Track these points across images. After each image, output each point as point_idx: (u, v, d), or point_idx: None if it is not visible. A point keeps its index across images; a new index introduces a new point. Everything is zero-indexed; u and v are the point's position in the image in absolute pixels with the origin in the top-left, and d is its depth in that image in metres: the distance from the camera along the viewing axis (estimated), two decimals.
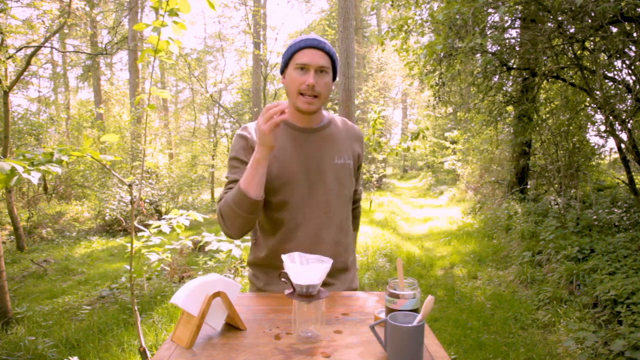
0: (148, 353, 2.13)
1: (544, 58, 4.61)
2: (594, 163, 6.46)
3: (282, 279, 1.15)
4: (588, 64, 4.79)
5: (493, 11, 4.61)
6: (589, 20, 3.92)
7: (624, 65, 4.31)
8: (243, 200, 1.22)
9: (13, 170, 1.40)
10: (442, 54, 4.92)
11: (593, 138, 9.40)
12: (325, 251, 1.34)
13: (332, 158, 1.38)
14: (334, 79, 1.35)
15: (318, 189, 1.35)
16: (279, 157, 1.33)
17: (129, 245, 2.06)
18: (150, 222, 2.34)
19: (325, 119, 1.44)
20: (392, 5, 6.31)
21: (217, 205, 1.35)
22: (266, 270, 1.42)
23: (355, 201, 1.58)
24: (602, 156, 6.75)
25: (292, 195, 1.34)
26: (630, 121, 4.32)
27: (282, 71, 1.35)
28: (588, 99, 5.23)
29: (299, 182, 1.34)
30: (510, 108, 6.57)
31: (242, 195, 1.21)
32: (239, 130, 1.42)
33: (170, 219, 2.22)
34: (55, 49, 10.92)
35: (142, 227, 2.40)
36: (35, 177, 1.43)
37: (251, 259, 1.48)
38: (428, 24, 5.55)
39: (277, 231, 1.37)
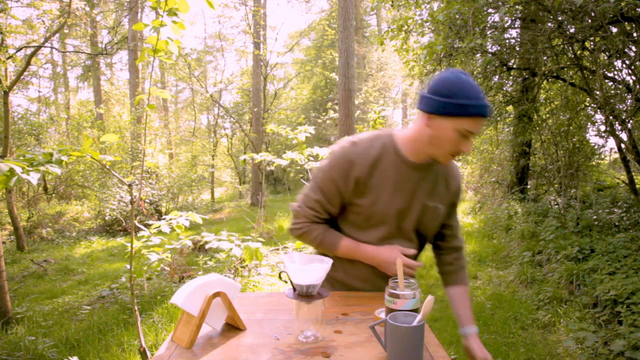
0: (148, 353, 2.13)
1: (544, 58, 4.61)
2: (594, 163, 6.46)
3: (282, 279, 1.15)
4: (588, 64, 4.79)
5: (493, 11, 4.61)
6: (589, 20, 3.92)
7: (624, 65, 4.31)
8: (328, 251, 1.34)
9: (12, 171, 1.39)
10: (442, 54, 4.92)
11: (593, 138, 9.38)
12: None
13: (425, 199, 1.32)
14: None
15: (401, 227, 1.34)
16: (377, 188, 1.27)
17: (129, 245, 2.06)
18: (150, 222, 2.34)
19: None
20: (392, 5, 6.30)
21: (296, 213, 1.34)
22: (344, 267, 1.40)
23: (457, 249, 1.47)
24: (602, 156, 6.75)
25: (378, 233, 1.33)
26: (630, 121, 4.31)
27: (434, 114, 1.16)
28: (588, 99, 5.23)
29: (387, 217, 1.31)
30: (510, 108, 6.56)
31: (329, 250, 1.34)
32: (347, 144, 1.27)
33: (170, 219, 2.22)
34: (55, 49, 10.94)
35: (142, 227, 2.40)
36: (34, 177, 1.43)
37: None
38: (428, 24, 5.54)
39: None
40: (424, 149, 1.24)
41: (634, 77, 4.20)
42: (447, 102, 1.12)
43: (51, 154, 1.55)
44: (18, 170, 1.41)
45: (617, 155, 5.98)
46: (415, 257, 1.41)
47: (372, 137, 1.29)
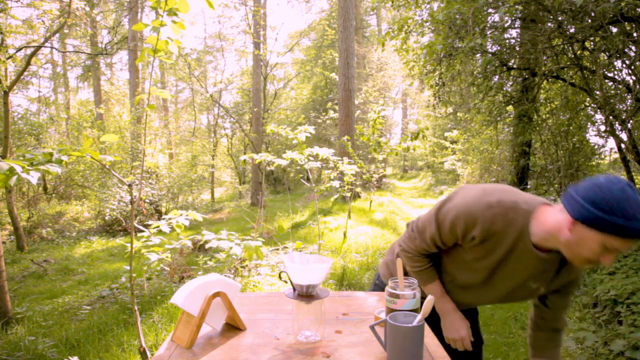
0: (148, 353, 2.13)
1: (544, 58, 4.61)
2: (594, 163, 6.45)
3: (282, 279, 1.15)
4: (588, 64, 4.79)
5: (493, 11, 4.61)
6: (589, 20, 3.92)
7: (624, 65, 4.31)
8: (420, 282, 1.36)
9: (12, 170, 1.39)
10: (442, 54, 4.92)
11: (593, 138, 9.38)
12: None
13: (528, 279, 1.28)
14: None
15: (487, 290, 1.35)
16: (485, 252, 1.24)
17: (128, 245, 2.06)
18: (150, 222, 2.34)
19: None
20: (392, 6, 6.30)
21: (408, 244, 1.35)
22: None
23: (556, 330, 1.43)
24: (602, 156, 6.75)
25: (465, 278, 1.34)
26: (630, 121, 4.31)
27: (583, 222, 1.04)
28: (588, 99, 5.23)
29: (482, 279, 1.32)
30: (510, 108, 6.56)
31: (420, 282, 1.35)
32: (483, 206, 1.18)
33: (170, 219, 2.22)
34: (55, 49, 10.93)
35: (141, 227, 2.40)
36: (34, 177, 1.43)
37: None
38: (428, 24, 5.54)
39: (439, 279, 1.41)
40: (556, 245, 1.15)
41: (634, 77, 4.20)
42: (603, 219, 1.00)
43: (51, 154, 1.55)
44: (18, 169, 1.41)
45: (617, 155, 5.98)
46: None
47: (510, 206, 1.18)
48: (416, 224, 1.32)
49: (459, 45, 4.44)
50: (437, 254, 1.36)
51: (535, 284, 1.27)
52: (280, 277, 1.14)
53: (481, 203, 1.18)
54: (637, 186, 4.83)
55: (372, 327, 0.98)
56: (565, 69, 5.09)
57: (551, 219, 1.14)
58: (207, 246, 2.68)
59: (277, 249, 5.45)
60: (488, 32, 4.84)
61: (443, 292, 1.37)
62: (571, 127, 5.68)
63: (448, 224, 1.21)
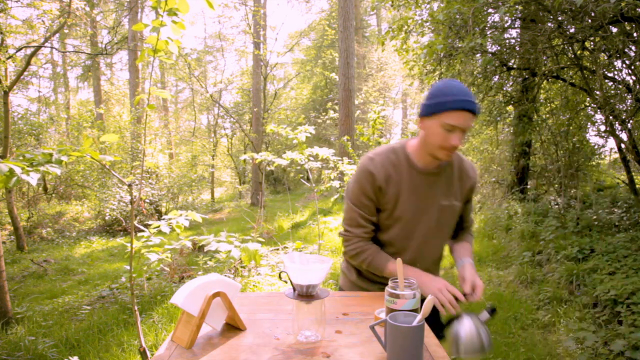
0: (148, 353, 2.13)
1: (544, 58, 4.61)
2: (594, 163, 6.45)
3: (282, 279, 1.15)
4: (588, 64, 4.79)
5: (493, 11, 4.61)
6: (589, 20, 3.92)
7: (624, 65, 4.31)
8: (378, 272, 1.43)
9: (12, 172, 1.39)
10: (442, 54, 4.92)
11: (593, 138, 9.38)
12: None
13: (440, 199, 1.44)
14: None
15: (420, 229, 1.44)
16: (395, 195, 1.40)
17: (128, 245, 2.05)
18: (150, 222, 2.35)
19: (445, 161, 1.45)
20: (392, 5, 6.30)
21: (345, 237, 1.47)
22: (359, 270, 1.57)
23: (465, 228, 1.64)
24: (602, 156, 6.75)
25: (397, 232, 1.44)
26: (630, 121, 4.31)
27: (423, 116, 1.33)
28: (588, 99, 5.23)
29: (407, 221, 1.43)
30: (510, 108, 6.56)
31: (380, 271, 1.42)
32: (365, 160, 1.42)
33: (170, 219, 2.22)
34: (55, 49, 10.93)
35: (142, 227, 2.40)
36: (33, 178, 1.43)
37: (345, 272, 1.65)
38: (428, 24, 5.54)
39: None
40: (426, 151, 1.37)
41: (634, 77, 4.20)
42: (429, 103, 1.29)
43: (51, 154, 1.55)
44: (17, 170, 1.41)
45: (617, 155, 5.98)
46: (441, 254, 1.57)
47: (387, 150, 1.43)
48: (343, 225, 1.48)
49: (459, 45, 4.44)
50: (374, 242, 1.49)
51: (447, 200, 1.44)
52: (280, 277, 1.14)
53: (365, 161, 1.41)
54: (638, 186, 4.83)
55: (372, 327, 0.98)
56: (565, 69, 5.09)
57: (417, 138, 1.40)
58: (205, 249, 2.68)
59: (277, 249, 5.45)
60: (488, 32, 4.84)
61: (401, 262, 1.38)
62: (571, 127, 5.68)
63: (358, 192, 1.40)
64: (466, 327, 1.16)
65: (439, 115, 1.26)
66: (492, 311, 1.22)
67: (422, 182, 1.41)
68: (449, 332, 1.20)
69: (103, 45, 10.46)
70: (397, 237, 1.44)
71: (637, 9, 3.47)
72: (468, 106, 1.24)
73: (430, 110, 1.29)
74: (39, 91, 16.79)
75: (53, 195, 11.09)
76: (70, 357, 2.70)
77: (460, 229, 1.62)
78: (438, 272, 1.60)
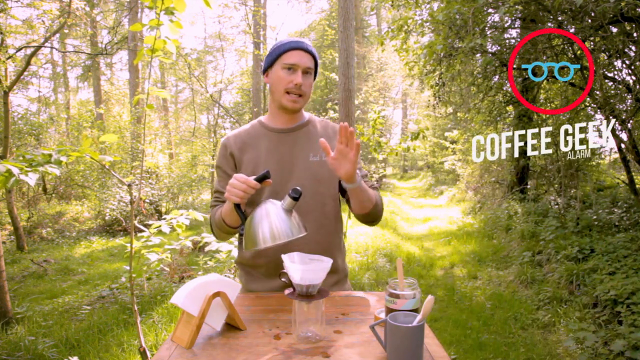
0: (148, 353, 2.13)
1: (544, 58, 4.61)
2: (594, 163, 6.46)
3: (282, 279, 1.15)
4: (588, 64, 4.79)
5: (493, 11, 4.61)
6: (589, 20, 3.92)
7: (624, 65, 4.31)
8: (223, 226, 1.36)
9: (10, 172, 1.39)
10: (442, 54, 4.92)
11: (593, 138, 9.37)
12: (303, 249, 1.23)
13: (306, 156, 1.41)
14: (314, 79, 1.46)
15: (289, 188, 1.25)
16: (253, 160, 1.41)
17: (128, 245, 2.06)
18: (150, 222, 2.35)
19: (304, 119, 1.49)
20: (392, 5, 6.30)
21: (209, 213, 1.47)
22: (247, 270, 1.50)
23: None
24: (602, 156, 6.75)
25: (269, 195, 1.33)
26: (630, 121, 4.31)
27: (266, 70, 1.42)
28: (588, 99, 5.23)
29: (273, 182, 1.26)
30: (510, 108, 6.56)
31: (221, 223, 1.35)
32: (223, 138, 1.51)
33: (170, 218, 2.22)
34: (55, 49, 10.93)
35: (142, 227, 2.40)
36: (32, 178, 1.43)
37: (237, 259, 1.57)
38: (428, 24, 5.54)
39: None
40: (276, 107, 1.42)
41: (634, 77, 4.20)
42: (268, 55, 1.40)
43: (50, 155, 1.55)
44: (15, 171, 1.41)
45: (617, 155, 5.98)
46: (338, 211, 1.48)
47: (244, 126, 1.51)
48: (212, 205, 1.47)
49: (459, 45, 4.44)
50: None
51: (315, 156, 1.42)
52: (280, 277, 1.14)
53: (223, 140, 1.48)
54: (638, 186, 4.83)
55: (372, 327, 0.98)
56: (566, 69, 5.08)
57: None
58: (205, 249, 2.67)
59: None
60: (488, 32, 4.84)
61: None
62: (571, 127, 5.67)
63: (217, 164, 1.47)
64: (258, 214, 1.13)
65: (278, 61, 1.36)
66: (296, 195, 1.11)
67: (281, 141, 1.42)
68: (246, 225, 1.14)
69: (103, 45, 10.46)
70: (271, 198, 1.29)
71: (637, 9, 3.47)
72: (302, 45, 1.35)
73: (270, 59, 1.39)
74: (39, 91, 16.80)
75: (53, 195, 11.08)
76: (70, 357, 2.70)
77: None
78: (330, 240, 1.44)
